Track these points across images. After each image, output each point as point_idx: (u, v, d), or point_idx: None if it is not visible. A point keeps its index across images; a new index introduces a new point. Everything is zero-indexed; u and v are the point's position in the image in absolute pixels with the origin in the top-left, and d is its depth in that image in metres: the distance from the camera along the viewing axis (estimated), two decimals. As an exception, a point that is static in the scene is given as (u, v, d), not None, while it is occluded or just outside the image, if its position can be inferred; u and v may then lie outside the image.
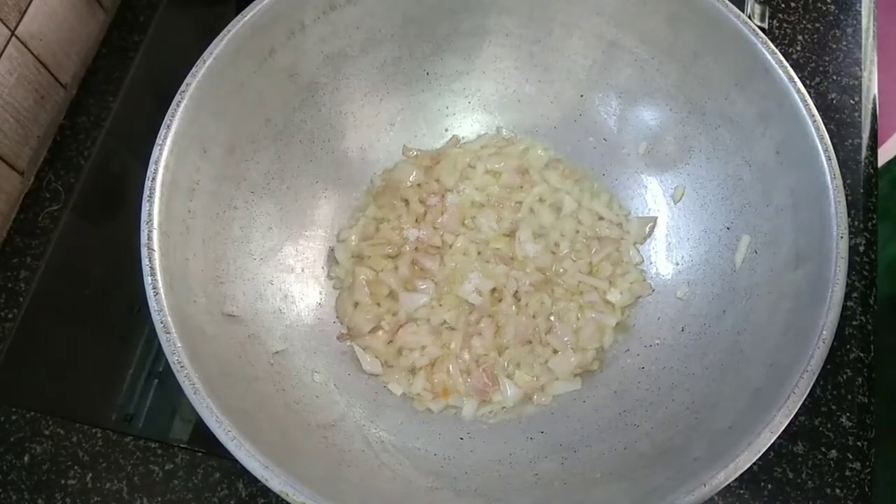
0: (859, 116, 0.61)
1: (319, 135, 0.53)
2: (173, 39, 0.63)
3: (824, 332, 0.38)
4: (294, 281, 0.50)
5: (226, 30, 0.45)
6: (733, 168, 0.48)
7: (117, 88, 0.62)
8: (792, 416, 0.37)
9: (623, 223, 0.54)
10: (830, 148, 0.42)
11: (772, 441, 0.36)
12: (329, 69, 0.51)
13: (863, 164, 0.59)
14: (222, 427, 0.36)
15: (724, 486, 0.36)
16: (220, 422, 0.36)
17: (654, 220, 0.53)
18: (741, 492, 0.49)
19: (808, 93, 0.44)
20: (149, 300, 0.38)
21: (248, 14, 0.45)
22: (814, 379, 0.37)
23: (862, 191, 0.58)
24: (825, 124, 0.43)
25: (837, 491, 0.49)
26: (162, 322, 0.38)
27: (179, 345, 0.38)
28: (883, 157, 0.63)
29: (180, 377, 0.37)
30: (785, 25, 0.65)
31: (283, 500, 0.36)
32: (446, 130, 0.57)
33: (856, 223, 0.57)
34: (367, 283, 0.51)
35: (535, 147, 0.56)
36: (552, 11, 0.52)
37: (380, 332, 0.50)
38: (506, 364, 0.49)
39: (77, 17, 0.61)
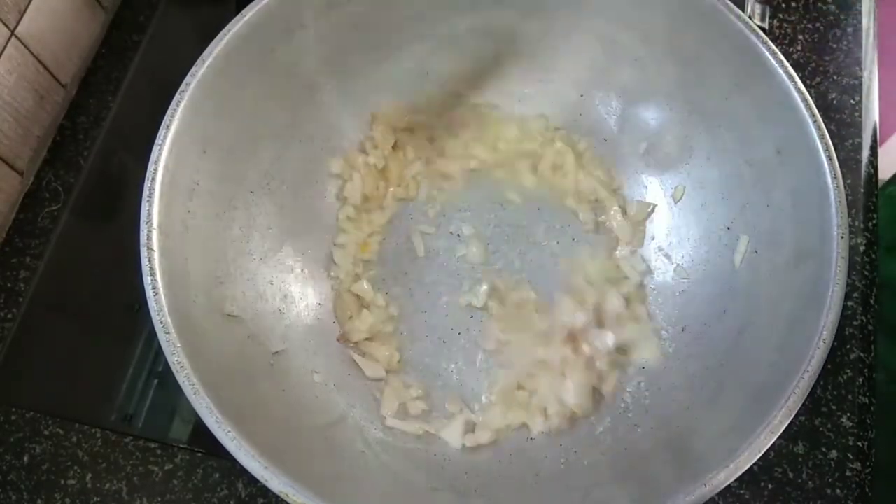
0: (860, 116, 0.61)
1: (319, 134, 0.53)
2: (173, 39, 0.63)
3: (825, 333, 0.38)
4: (294, 281, 0.50)
5: (225, 29, 0.45)
6: (734, 167, 0.48)
7: (117, 88, 0.62)
8: (792, 416, 0.37)
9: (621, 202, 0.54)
10: (831, 147, 0.42)
11: (772, 441, 0.36)
12: (329, 69, 0.51)
13: (863, 164, 0.59)
14: (222, 427, 0.36)
15: (724, 486, 0.36)
16: (220, 422, 0.36)
17: (654, 206, 0.53)
18: (741, 492, 0.49)
19: (809, 92, 0.44)
20: (148, 300, 0.38)
21: (248, 13, 0.45)
22: (814, 379, 0.37)
23: (862, 190, 0.58)
24: (826, 124, 0.43)
25: (838, 491, 0.49)
26: (161, 322, 0.38)
27: (179, 345, 0.38)
28: (883, 158, 0.63)
29: (180, 377, 0.37)
30: (785, 25, 0.65)
31: (282, 500, 0.36)
32: (446, 130, 0.57)
33: (856, 223, 0.57)
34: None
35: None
36: (552, 10, 0.52)
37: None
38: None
39: (77, 16, 0.61)
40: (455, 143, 0.56)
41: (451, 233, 0.54)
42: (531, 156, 0.55)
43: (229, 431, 0.36)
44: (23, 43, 0.55)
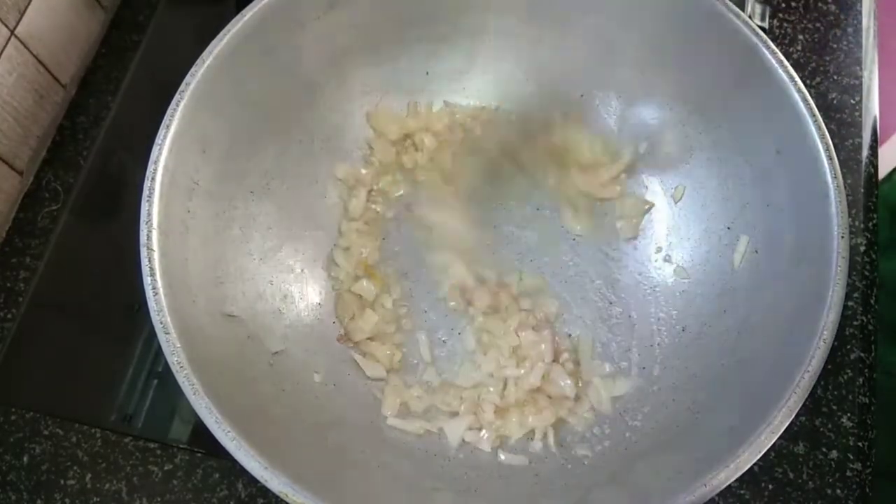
0: (860, 116, 0.61)
1: (319, 134, 0.53)
2: (173, 39, 0.63)
3: (825, 333, 0.38)
4: (294, 281, 0.50)
5: (225, 29, 0.45)
6: (734, 167, 0.48)
7: (117, 88, 0.62)
8: (793, 416, 0.37)
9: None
10: (831, 147, 0.42)
11: (773, 441, 0.36)
12: (329, 68, 0.51)
13: (863, 163, 0.59)
14: (222, 428, 0.36)
15: (725, 486, 0.36)
16: (220, 422, 0.36)
17: (651, 204, 0.53)
18: (742, 492, 0.49)
19: (809, 92, 0.44)
20: (148, 301, 0.38)
21: (248, 13, 0.45)
22: (815, 379, 0.37)
23: (862, 190, 0.58)
24: (826, 124, 0.43)
25: (838, 491, 0.49)
26: (161, 322, 0.38)
27: (179, 345, 0.38)
28: (883, 158, 0.63)
29: (180, 378, 0.37)
30: (785, 25, 0.65)
31: (282, 500, 0.36)
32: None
33: (856, 223, 0.57)
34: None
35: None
36: (552, 10, 0.52)
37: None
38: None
39: (77, 16, 0.61)
40: (453, 148, 0.56)
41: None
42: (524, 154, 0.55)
43: (229, 432, 0.36)
44: (22, 43, 0.55)
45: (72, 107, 0.62)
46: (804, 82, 0.44)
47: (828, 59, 0.63)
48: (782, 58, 0.44)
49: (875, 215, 0.57)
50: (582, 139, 0.54)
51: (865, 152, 0.60)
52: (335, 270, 0.52)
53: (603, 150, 0.54)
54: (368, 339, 0.50)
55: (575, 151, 0.54)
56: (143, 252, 0.39)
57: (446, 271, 0.52)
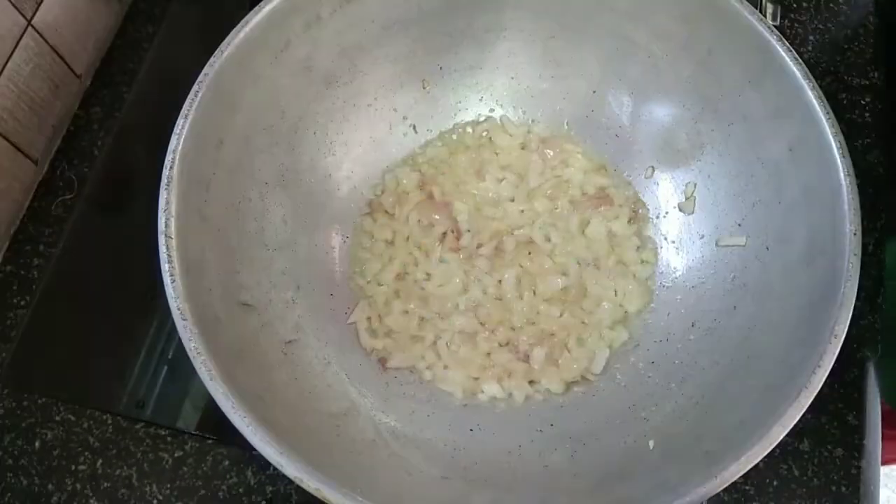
0: (870, 117, 0.61)
1: (333, 127, 0.53)
2: (188, 31, 0.63)
3: (836, 329, 0.38)
4: (307, 271, 0.50)
5: (243, 21, 0.45)
6: (746, 165, 0.48)
7: (131, 79, 0.62)
8: (803, 411, 0.37)
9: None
10: (844, 145, 0.42)
11: (783, 435, 0.37)
12: (344, 62, 0.52)
13: (873, 164, 0.59)
14: (238, 413, 0.36)
15: (735, 478, 0.36)
16: (236, 408, 0.36)
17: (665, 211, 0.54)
18: (747, 488, 0.49)
19: (819, 92, 0.44)
20: (166, 287, 0.39)
21: (266, 6, 0.45)
22: (825, 375, 0.38)
23: (871, 191, 0.58)
24: (836, 124, 0.43)
25: (843, 489, 0.49)
26: (179, 308, 0.38)
27: (196, 331, 0.38)
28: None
29: (196, 364, 0.37)
30: (797, 25, 0.65)
31: (291, 487, 0.36)
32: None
33: (864, 222, 0.57)
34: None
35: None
36: (567, 7, 0.52)
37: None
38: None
39: (93, 7, 0.61)
40: (462, 158, 0.56)
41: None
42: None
43: (245, 417, 0.36)
44: (39, 33, 0.55)
45: (87, 97, 0.62)
46: (814, 82, 0.44)
47: (838, 59, 0.63)
48: (796, 55, 0.44)
49: (883, 214, 0.58)
50: None
51: (874, 153, 0.60)
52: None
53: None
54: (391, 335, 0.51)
55: None
56: (162, 239, 0.40)
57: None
